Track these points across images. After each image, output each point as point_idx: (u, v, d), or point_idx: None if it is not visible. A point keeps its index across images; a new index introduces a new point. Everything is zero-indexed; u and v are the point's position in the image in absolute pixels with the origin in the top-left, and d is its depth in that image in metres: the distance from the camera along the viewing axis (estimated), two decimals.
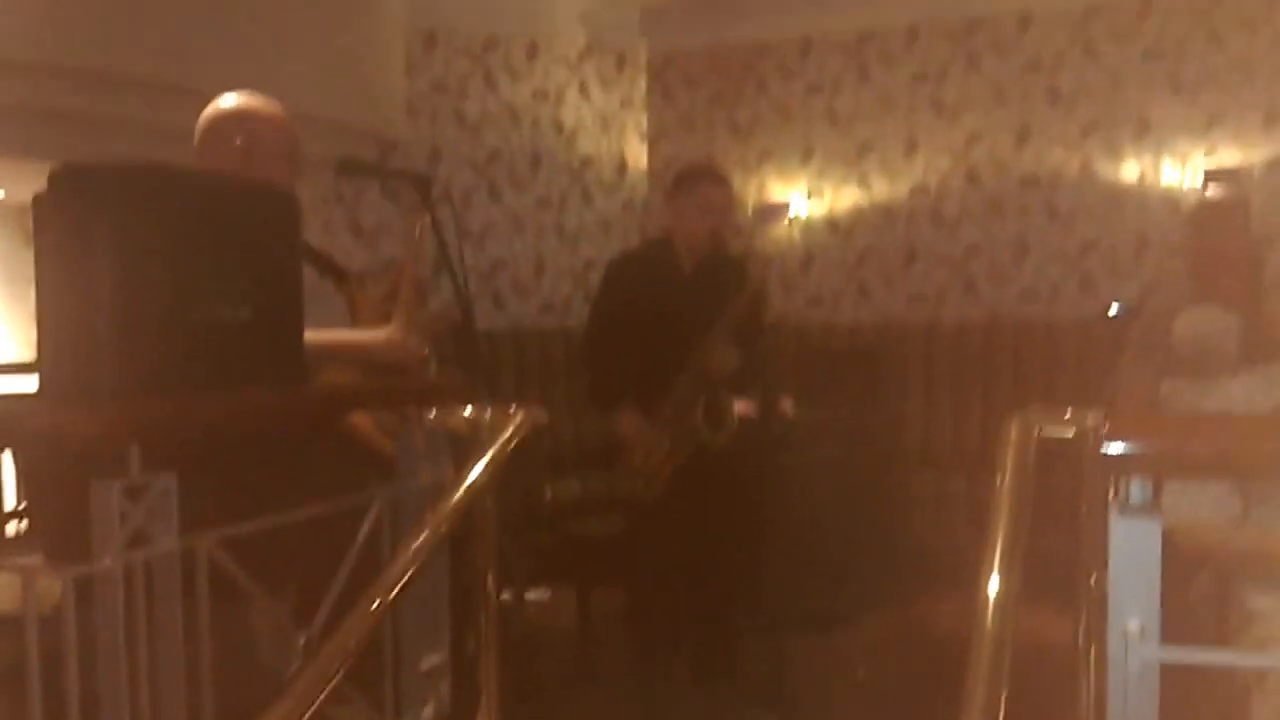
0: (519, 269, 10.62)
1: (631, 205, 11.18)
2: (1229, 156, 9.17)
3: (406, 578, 3.10)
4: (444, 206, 4.74)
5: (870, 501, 8.43)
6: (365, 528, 3.67)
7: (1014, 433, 2.84)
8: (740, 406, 6.78)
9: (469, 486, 3.41)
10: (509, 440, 3.58)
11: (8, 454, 4.76)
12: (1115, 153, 9.70)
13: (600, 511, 7.28)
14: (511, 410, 3.71)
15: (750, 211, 10.88)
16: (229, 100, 4.64)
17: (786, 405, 7.48)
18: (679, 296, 6.84)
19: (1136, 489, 2.42)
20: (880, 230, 10.48)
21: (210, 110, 4.64)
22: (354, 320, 4.54)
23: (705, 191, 6.85)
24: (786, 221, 10.69)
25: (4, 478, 5.07)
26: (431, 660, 3.92)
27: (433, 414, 3.89)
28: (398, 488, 3.86)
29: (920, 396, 10.03)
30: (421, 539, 3.18)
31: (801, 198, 10.69)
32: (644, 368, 6.78)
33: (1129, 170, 9.67)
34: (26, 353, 8.38)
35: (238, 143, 4.56)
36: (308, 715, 2.63)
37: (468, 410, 3.81)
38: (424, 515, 3.34)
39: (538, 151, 10.84)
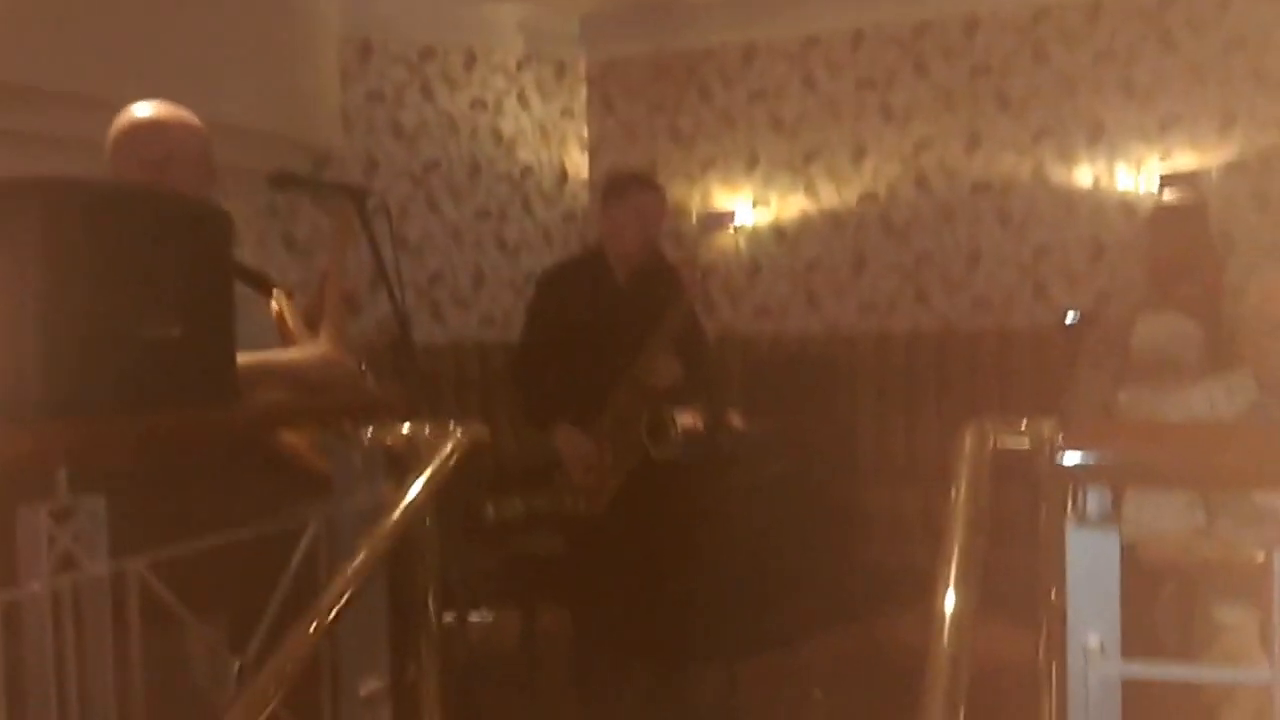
0: (458, 281, 10.56)
1: (573, 216, 11.16)
2: (1185, 160, 9.20)
3: (344, 600, 3.09)
4: (380, 218, 4.70)
5: (822, 517, 8.40)
6: (301, 550, 3.62)
7: (969, 444, 2.86)
8: (685, 420, 6.75)
9: (408, 506, 3.39)
10: (448, 458, 3.56)
11: None
12: (1068, 157, 9.72)
13: (543, 530, 7.14)
14: (451, 427, 3.69)
15: (694, 220, 10.88)
16: (143, 109, 4.58)
17: (734, 418, 7.49)
18: (613, 307, 6.84)
19: (1094, 500, 2.40)
20: (828, 238, 10.47)
21: (123, 120, 4.56)
22: (284, 337, 4.49)
23: (636, 198, 6.86)
24: (731, 230, 10.69)
25: None
26: (371, 685, 3.88)
27: (370, 432, 3.86)
28: (334, 508, 3.81)
29: (872, 408, 10.01)
30: (359, 561, 3.16)
31: (747, 206, 10.69)
32: (581, 382, 6.77)
33: (1082, 175, 9.69)
34: None
35: (154, 153, 4.50)
36: None
37: (406, 427, 3.79)
38: (362, 536, 3.34)
39: (476, 162, 10.77)
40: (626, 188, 6.91)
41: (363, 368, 4.52)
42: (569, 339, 6.81)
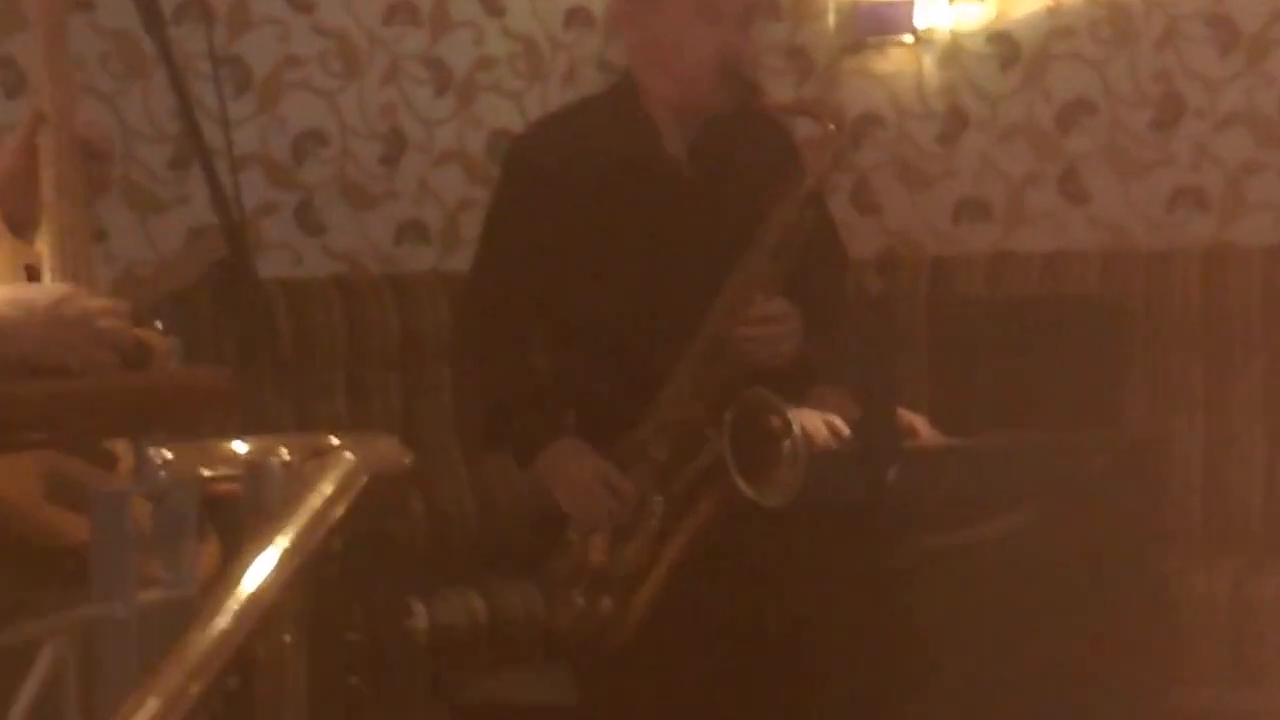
0: (353, 152, 6.16)
1: (580, 16, 6.60)
2: None
3: None
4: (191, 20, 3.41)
5: (1110, 609, 4.97)
6: (28, 690, 2.57)
7: None
8: (814, 425, 4.22)
9: (247, 606, 2.30)
10: (329, 507, 2.47)
11: None
12: None
13: (523, 659, 4.77)
14: (335, 444, 2.64)
15: (830, 24, 6.72)
16: None
17: (919, 423, 4.66)
18: (662, 203, 4.39)
19: None
20: (1115, 51, 6.17)
21: None
22: None
23: None
24: (907, 42, 6.56)
25: None
26: None
27: (166, 457, 2.74)
28: (91, 614, 2.67)
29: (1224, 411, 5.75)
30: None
31: None
32: (597, 357, 4.38)
33: None
34: None
35: None
36: None
37: (241, 447, 2.75)
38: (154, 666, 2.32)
39: None
40: None
41: (156, 325, 3.15)
42: (571, 271, 4.42)
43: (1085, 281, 5.95)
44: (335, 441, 2.47)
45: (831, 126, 4.36)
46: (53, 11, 3.30)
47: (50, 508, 2.83)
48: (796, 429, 3.93)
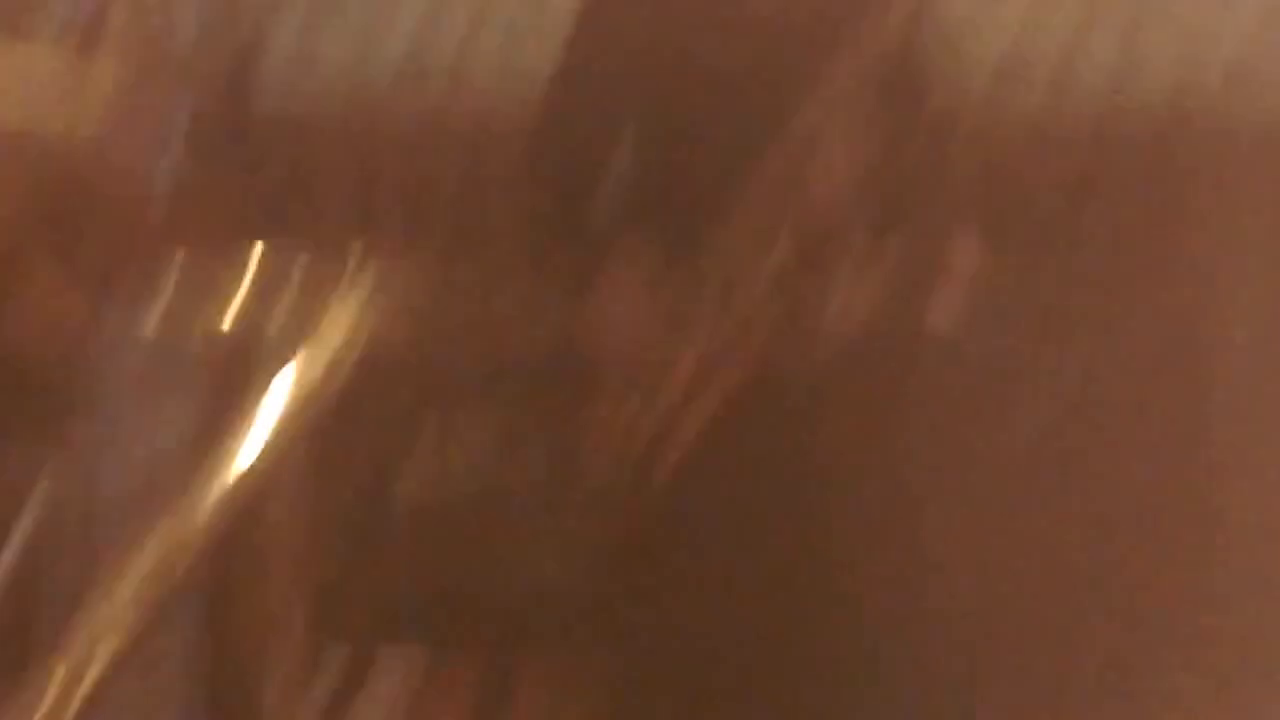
0: None
1: None
2: None
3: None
4: None
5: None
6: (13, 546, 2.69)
7: None
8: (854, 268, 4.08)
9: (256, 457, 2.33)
10: (341, 355, 2.47)
11: None
12: None
13: (548, 524, 4.43)
14: (350, 269, 2.63)
15: None
16: None
17: (965, 256, 4.55)
18: (735, 35, 4.01)
19: None
20: None
21: None
22: None
23: None
24: None
25: None
26: None
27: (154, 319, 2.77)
28: (80, 463, 2.73)
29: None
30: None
31: None
32: (657, 188, 3.98)
33: None
34: None
35: None
36: None
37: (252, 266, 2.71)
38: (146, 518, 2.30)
39: None
40: None
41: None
42: (633, 100, 4.05)
43: None
44: (351, 261, 2.37)
45: None
46: None
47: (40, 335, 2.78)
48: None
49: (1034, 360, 4.25)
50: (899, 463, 3.90)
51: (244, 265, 2.69)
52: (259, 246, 2.69)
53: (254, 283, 2.64)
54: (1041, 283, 4.44)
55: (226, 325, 2.51)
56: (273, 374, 2.23)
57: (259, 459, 2.14)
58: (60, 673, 2.24)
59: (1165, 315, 5.05)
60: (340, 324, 2.40)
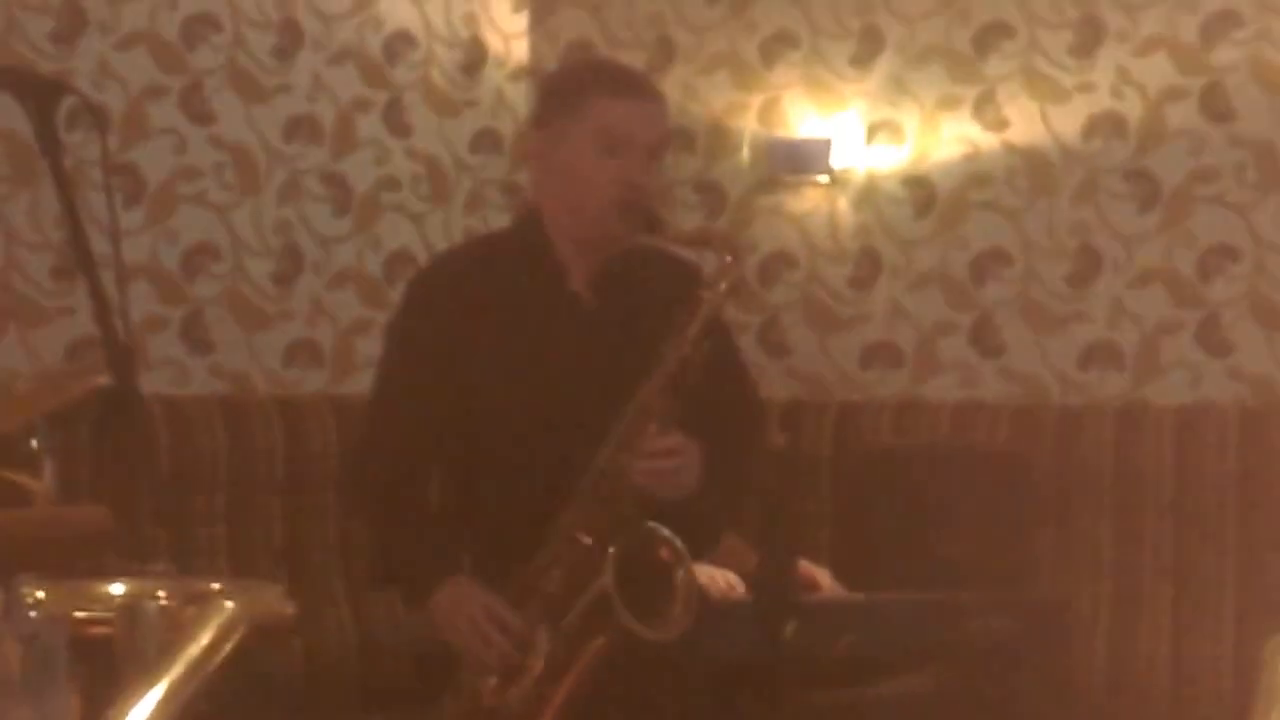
0: (246, 270, 5.97)
1: (488, 140, 6.56)
2: None
3: None
4: (82, 128, 3.69)
5: None
6: None
7: None
8: (706, 574, 4.31)
9: None
10: (206, 656, 2.33)
11: None
12: None
13: None
14: (216, 589, 2.53)
15: (744, 157, 6.55)
16: None
17: (820, 575, 4.83)
18: (565, 341, 4.22)
19: None
20: (1025, 203, 6.09)
21: None
22: None
23: (615, 111, 4.14)
24: (821, 183, 6.41)
25: None
26: None
27: (38, 596, 2.58)
28: None
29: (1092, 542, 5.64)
30: None
31: (854, 132, 6.40)
32: (495, 493, 4.17)
33: None
34: None
35: None
36: None
37: (117, 589, 2.59)
38: None
39: (294, 24, 6.21)
40: (602, 90, 4.19)
41: (32, 445, 3.18)
42: (470, 404, 4.22)
43: (995, 435, 5.72)
44: (216, 587, 2.32)
45: (729, 257, 4.13)
46: None
47: None
48: (687, 561, 3.80)
49: None
50: None
51: None
52: None
53: None
54: None
55: None
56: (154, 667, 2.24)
57: None
58: None
59: None
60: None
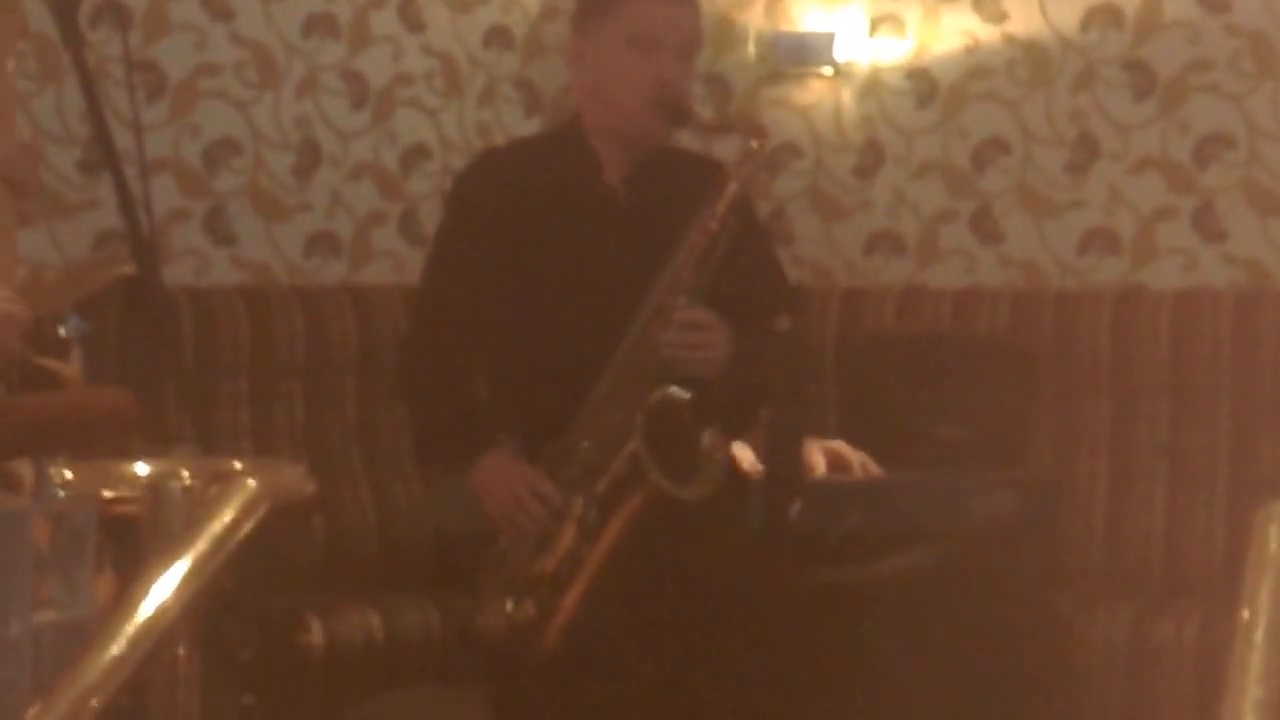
0: (262, 166, 5.95)
1: (522, 45, 6.48)
2: None
3: None
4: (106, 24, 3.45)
5: (1009, 651, 5.01)
6: None
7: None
8: (730, 448, 4.29)
9: (143, 631, 2.13)
10: (229, 533, 2.33)
11: None
12: None
13: (416, 680, 4.62)
14: (238, 468, 2.61)
15: (750, 52, 6.50)
16: None
17: (840, 446, 4.74)
18: (600, 233, 4.45)
19: None
20: (1024, 96, 6.09)
21: None
22: None
23: (646, 12, 4.38)
24: (827, 74, 6.40)
25: None
26: None
27: (66, 476, 2.76)
28: None
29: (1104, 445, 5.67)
30: None
31: (858, 24, 6.35)
32: (535, 381, 4.44)
33: None
34: None
35: None
36: None
37: (142, 469, 2.71)
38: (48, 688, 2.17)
39: None
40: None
41: (61, 333, 3.24)
42: (512, 294, 4.46)
43: (995, 320, 5.79)
44: (238, 466, 2.42)
45: (754, 142, 4.45)
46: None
47: None
48: (713, 423, 3.96)
49: None
50: None
51: None
52: None
53: None
54: None
55: None
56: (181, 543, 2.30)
57: None
58: None
59: None
60: None
